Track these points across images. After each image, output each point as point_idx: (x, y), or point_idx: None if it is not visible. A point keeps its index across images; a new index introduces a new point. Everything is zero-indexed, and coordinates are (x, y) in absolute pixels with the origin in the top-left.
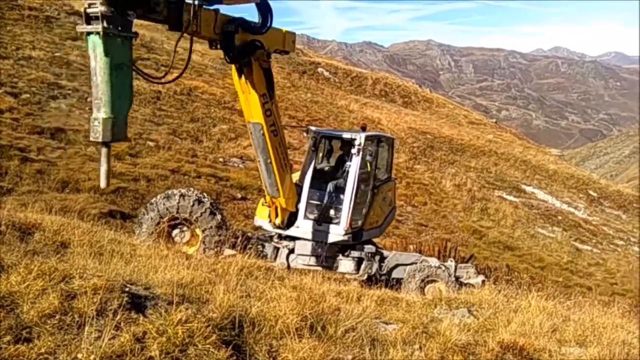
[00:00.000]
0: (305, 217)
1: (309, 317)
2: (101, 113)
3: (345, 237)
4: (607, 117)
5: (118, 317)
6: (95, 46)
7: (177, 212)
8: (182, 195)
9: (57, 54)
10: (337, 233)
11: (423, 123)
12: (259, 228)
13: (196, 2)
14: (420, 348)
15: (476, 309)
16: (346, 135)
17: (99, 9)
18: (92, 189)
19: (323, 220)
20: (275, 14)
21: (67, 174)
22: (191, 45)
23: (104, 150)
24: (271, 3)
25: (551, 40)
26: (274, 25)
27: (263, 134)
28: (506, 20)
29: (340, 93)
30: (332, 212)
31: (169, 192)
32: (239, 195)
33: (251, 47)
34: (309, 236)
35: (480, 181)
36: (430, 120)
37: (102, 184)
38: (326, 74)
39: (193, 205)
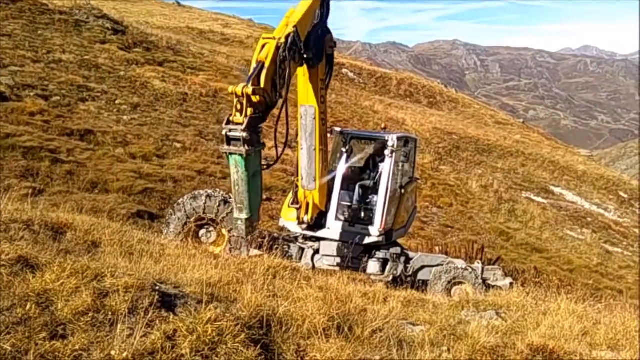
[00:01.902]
0: (337, 218)
1: (336, 318)
2: (243, 214)
3: (380, 238)
4: (638, 117)
5: (149, 315)
6: (237, 164)
7: (204, 213)
8: (209, 196)
9: (86, 57)
10: (371, 234)
11: (449, 123)
12: (284, 229)
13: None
14: (449, 350)
15: (504, 312)
16: (378, 136)
17: (240, 134)
18: (120, 189)
19: (355, 222)
20: None
21: (96, 175)
22: (287, 112)
23: (244, 242)
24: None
25: (580, 39)
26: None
27: (314, 118)
28: (533, 19)
29: (365, 94)
30: (362, 213)
31: (196, 192)
32: (264, 197)
33: (323, 35)
34: (341, 237)
35: (508, 182)
36: (456, 121)
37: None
38: (351, 74)
39: (219, 205)
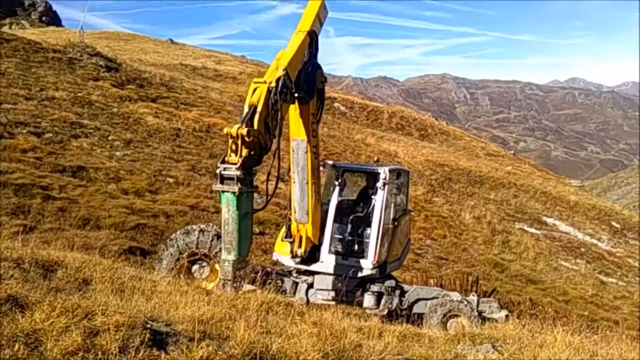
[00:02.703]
0: (330, 251)
1: (331, 354)
2: (231, 256)
3: (374, 271)
4: (627, 147)
5: (140, 354)
6: (228, 202)
7: (197, 248)
8: (202, 231)
9: (79, 94)
10: (365, 267)
11: (440, 155)
12: (277, 263)
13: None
14: None
15: (500, 345)
16: (371, 169)
17: (234, 173)
18: (112, 226)
19: (349, 255)
20: None
21: (88, 211)
22: (279, 152)
23: (229, 283)
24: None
25: (567, 72)
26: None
27: (306, 152)
28: (521, 53)
29: (357, 127)
30: (356, 246)
31: (189, 227)
32: (257, 231)
33: (313, 71)
34: (335, 271)
35: (500, 213)
36: (448, 153)
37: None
38: (342, 108)
39: (212, 240)
